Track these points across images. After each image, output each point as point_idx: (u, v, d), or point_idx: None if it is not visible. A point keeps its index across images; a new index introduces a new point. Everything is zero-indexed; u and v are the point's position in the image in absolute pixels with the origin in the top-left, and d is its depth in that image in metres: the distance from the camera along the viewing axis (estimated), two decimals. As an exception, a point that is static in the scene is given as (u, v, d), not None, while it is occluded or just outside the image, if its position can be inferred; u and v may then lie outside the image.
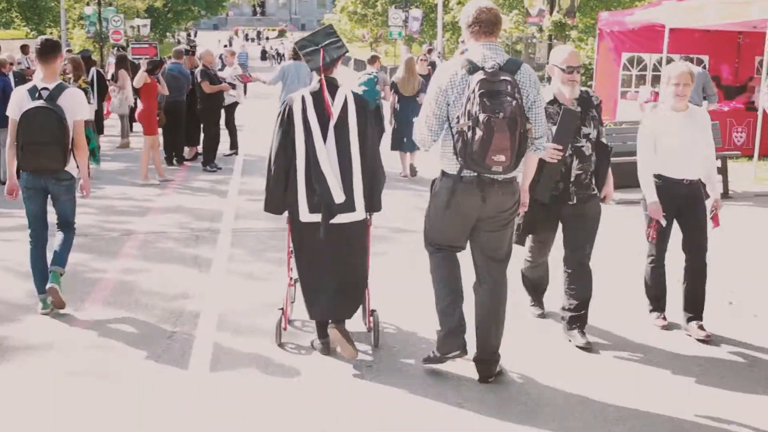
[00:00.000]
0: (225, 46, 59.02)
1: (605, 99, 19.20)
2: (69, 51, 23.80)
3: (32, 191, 6.99)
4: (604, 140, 6.41)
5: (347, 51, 6.18)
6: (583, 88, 6.41)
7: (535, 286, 7.10)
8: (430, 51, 22.26)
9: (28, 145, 6.69)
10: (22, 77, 14.77)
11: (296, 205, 5.83)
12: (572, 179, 6.22)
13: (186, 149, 16.28)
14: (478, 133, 5.04)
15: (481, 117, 5.03)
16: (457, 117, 5.21)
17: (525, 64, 5.49)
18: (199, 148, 16.05)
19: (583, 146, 6.20)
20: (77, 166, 7.00)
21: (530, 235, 6.67)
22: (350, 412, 5.21)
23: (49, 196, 7.07)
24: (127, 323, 6.82)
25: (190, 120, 15.69)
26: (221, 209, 11.47)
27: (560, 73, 6.20)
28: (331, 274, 5.92)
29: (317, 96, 5.84)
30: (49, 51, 6.99)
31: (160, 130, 14.39)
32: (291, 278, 6.47)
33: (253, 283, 7.98)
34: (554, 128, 6.00)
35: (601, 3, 39.55)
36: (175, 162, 15.70)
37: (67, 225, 7.27)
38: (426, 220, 5.76)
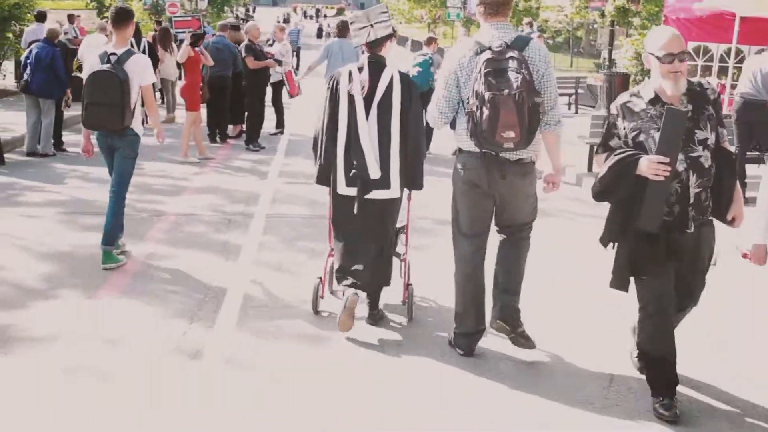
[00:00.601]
0: (277, 21, 58.62)
1: (668, 90, 18.52)
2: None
3: (103, 149, 7.73)
4: (726, 145, 5.01)
5: (394, 32, 6.16)
6: (695, 80, 4.98)
7: (660, 364, 5.05)
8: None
9: (90, 105, 7.29)
10: (66, 47, 14.42)
11: (335, 177, 5.97)
12: (691, 200, 4.81)
13: (230, 127, 15.83)
14: (485, 111, 5.09)
15: (487, 95, 5.08)
16: (467, 98, 5.30)
17: (534, 40, 5.48)
18: (244, 126, 15.59)
19: (700, 156, 4.78)
20: (142, 124, 7.72)
21: (636, 278, 5.00)
22: (381, 382, 5.34)
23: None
24: (141, 316, 6.34)
25: (236, 97, 15.23)
26: (258, 191, 10.98)
27: (658, 63, 4.78)
28: (361, 246, 6.03)
29: (364, 72, 5.95)
30: (121, 19, 7.52)
31: (203, 106, 13.93)
32: (332, 248, 6.45)
33: (281, 277, 7.45)
34: (657, 135, 4.67)
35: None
36: (218, 139, 15.26)
37: (118, 188, 7.77)
38: (452, 204, 5.77)
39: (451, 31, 59.40)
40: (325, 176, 6.08)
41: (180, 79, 15.04)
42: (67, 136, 13.95)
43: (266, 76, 14.87)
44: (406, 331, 6.21)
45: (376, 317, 6.30)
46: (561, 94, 21.67)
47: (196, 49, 13.28)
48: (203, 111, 14.10)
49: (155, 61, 17.52)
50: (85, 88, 7.33)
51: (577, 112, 22.21)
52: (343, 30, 14.01)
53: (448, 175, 5.94)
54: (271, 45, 17.27)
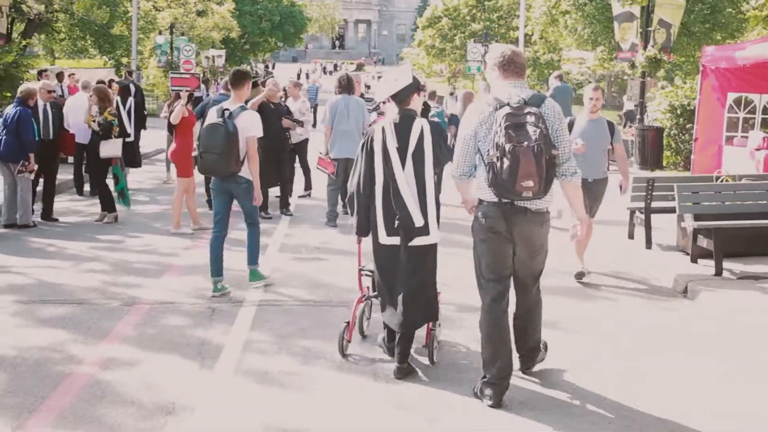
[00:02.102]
0: (295, 78, 57.74)
1: (708, 144, 17.02)
2: (110, 81, 22.50)
3: (217, 192, 8.77)
4: None
5: (419, 85, 6.53)
6: None
7: None
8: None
9: (204, 153, 8.32)
10: (57, 106, 13.26)
11: (375, 229, 6.37)
12: None
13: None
14: (506, 162, 5.41)
15: (507, 147, 5.41)
16: (488, 150, 5.60)
17: (549, 98, 5.80)
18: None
19: None
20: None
21: None
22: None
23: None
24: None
25: None
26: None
27: None
28: (404, 291, 6.29)
29: (398, 126, 6.33)
30: (238, 79, 8.68)
31: (168, 174, 12.68)
32: (363, 295, 6.93)
33: (265, 393, 5.98)
34: None
35: (695, 39, 37.17)
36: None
37: (251, 222, 8.93)
38: (473, 253, 6.02)
39: (471, 84, 58.41)
40: (363, 228, 6.48)
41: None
42: (60, 203, 12.69)
43: (283, 138, 13.59)
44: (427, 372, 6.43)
45: (404, 371, 6.35)
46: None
47: (192, 110, 12.01)
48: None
49: (143, 120, 16.37)
50: (200, 139, 8.50)
51: (608, 169, 20.70)
52: (347, 86, 12.72)
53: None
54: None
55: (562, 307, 8.39)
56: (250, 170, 8.49)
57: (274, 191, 14.15)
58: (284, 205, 13.58)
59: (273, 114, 13.24)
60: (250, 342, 7.03)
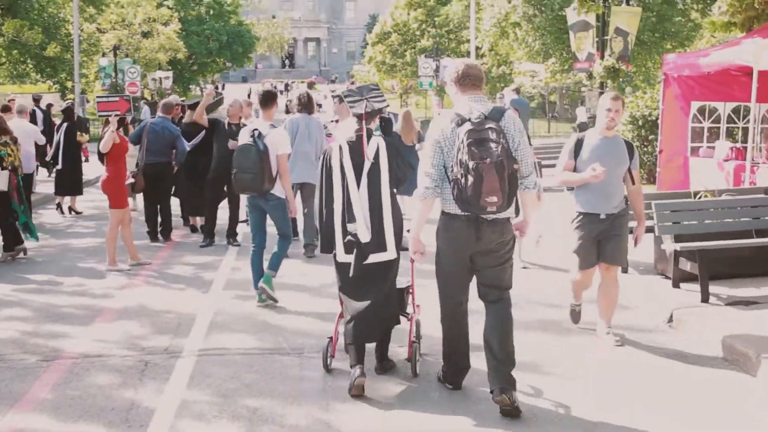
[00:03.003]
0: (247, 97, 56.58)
1: (673, 156, 16.31)
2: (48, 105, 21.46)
3: (250, 207, 9.26)
4: None
5: (388, 105, 6.82)
6: None
7: None
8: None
9: (238, 172, 8.67)
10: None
11: (335, 247, 6.45)
12: None
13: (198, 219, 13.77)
14: (470, 178, 5.51)
15: (471, 164, 5.50)
16: (452, 166, 5.68)
17: (508, 111, 5.91)
18: (199, 219, 13.33)
19: None
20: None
21: None
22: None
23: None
24: None
25: (194, 185, 13.03)
26: (195, 312, 8.59)
27: None
28: (365, 304, 6.32)
29: (353, 144, 6.45)
30: (267, 99, 9.18)
31: (132, 202, 11.64)
32: (342, 310, 6.74)
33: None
34: None
35: (645, 49, 36.85)
36: (160, 238, 12.92)
37: (283, 235, 9.14)
38: (436, 259, 6.14)
39: (424, 101, 57.80)
40: (327, 245, 6.55)
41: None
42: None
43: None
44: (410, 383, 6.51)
45: (386, 367, 6.69)
46: (549, 166, 19.61)
47: (123, 135, 11.03)
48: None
49: (77, 147, 15.39)
50: (233, 159, 8.83)
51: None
52: (308, 104, 11.79)
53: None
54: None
55: (538, 342, 7.56)
56: (282, 185, 8.92)
57: (222, 218, 13.23)
58: (232, 234, 12.60)
59: (229, 136, 12.23)
60: (186, 404, 6.04)
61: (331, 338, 6.82)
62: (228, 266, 10.99)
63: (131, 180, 12.73)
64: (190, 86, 67.35)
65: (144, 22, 51.93)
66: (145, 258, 11.30)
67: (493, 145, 5.54)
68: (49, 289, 9.78)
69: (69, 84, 40.69)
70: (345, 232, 6.37)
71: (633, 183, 7.65)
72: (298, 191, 11.65)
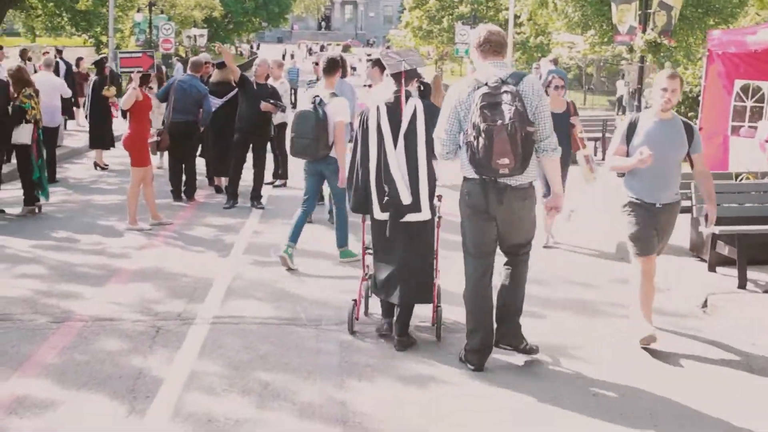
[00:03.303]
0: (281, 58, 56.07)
1: (713, 135, 15.80)
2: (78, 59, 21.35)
3: (308, 173, 9.09)
4: None
5: (421, 66, 6.81)
6: None
7: None
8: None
9: (295, 137, 8.65)
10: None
11: (370, 205, 6.52)
12: None
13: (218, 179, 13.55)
14: (481, 141, 5.59)
15: (482, 126, 5.58)
16: (466, 129, 5.75)
17: (529, 76, 5.95)
18: (224, 180, 13.06)
19: None
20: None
21: None
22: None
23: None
24: None
25: (222, 145, 12.80)
26: (212, 276, 8.35)
27: None
28: (400, 264, 6.46)
29: (392, 105, 6.50)
30: (330, 67, 9.06)
31: (158, 159, 11.37)
32: (366, 274, 7.00)
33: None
34: None
35: (687, 24, 35.98)
36: (183, 197, 12.69)
37: (339, 205, 9.19)
38: (461, 227, 6.14)
39: (459, 68, 57.17)
40: (361, 204, 6.65)
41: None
42: (7, 192, 11.50)
43: (262, 122, 12.27)
44: (435, 349, 6.55)
45: (405, 343, 6.52)
46: (589, 138, 19.16)
47: (146, 92, 10.74)
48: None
49: (104, 100, 15.09)
50: (292, 124, 8.77)
51: (603, 159, 19.56)
52: (332, 68, 11.43)
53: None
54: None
55: (564, 323, 7.26)
56: (336, 153, 8.83)
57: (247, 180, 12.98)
58: (256, 196, 12.32)
59: (256, 95, 11.94)
60: (196, 375, 5.80)
61: (355, 300, 6.87)
62: (250, 229, 10.74)
63: (157, 138, 12.52)
64: (225, 44, 66.95)
65: (181, -21, 51.54)
66: (167, 218, 11.07)
67: (506, 107, 5.58)
68: (67, 246, 9.59)
69: (104, 38, 40.46)
70: (381, 191, 6.40)
71: (692, 168, 7.00)
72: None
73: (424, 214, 6.45)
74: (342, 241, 9.20)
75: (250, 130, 11.98)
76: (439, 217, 6.76)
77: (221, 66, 13.29)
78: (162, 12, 47.28)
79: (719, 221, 8.92)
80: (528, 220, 6.10)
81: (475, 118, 5.63)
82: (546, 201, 6.26)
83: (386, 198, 6.36)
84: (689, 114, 18.71)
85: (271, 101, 11.96)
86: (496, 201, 5.84)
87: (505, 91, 5.65)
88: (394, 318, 6.53)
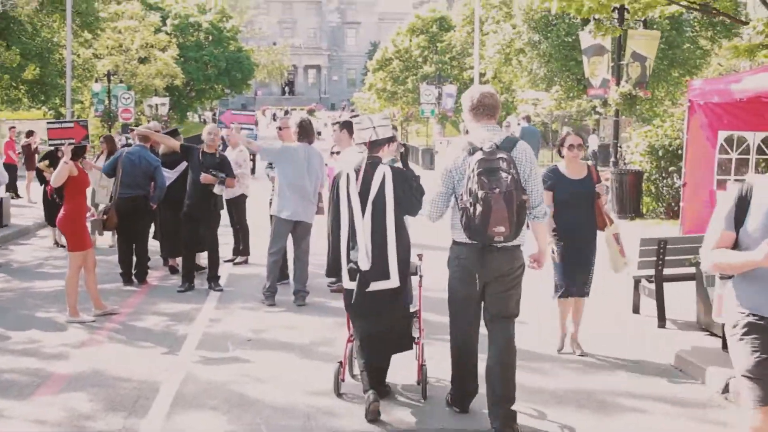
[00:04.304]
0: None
1: (698, 190, 14.94)
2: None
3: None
4: None
5: (395, 137, 6.92)
6: None
7: None
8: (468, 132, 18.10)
9: None
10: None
11: (342, 273, 6.49)
12: None
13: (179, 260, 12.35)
14: (479, 208, 5.61)
15: (480, 193, 5.60)
16: (461, 194, 5.79)
17: (521, 142, 6.02)
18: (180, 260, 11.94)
19: None
20: None
21: None
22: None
23: None
24: None
25: (176, 222, 11.72)
26: (159, 380, 7.19)
27: None
28: (373, 328, 6.47)
29: (360, 172, 6.48)
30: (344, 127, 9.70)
31: (110, 238, 10.24)
32: (351, 335, 6.84)
33: None
34: None
35: (653, 77, 35.58)
36: (135, 281, 11.54)
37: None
38: (448, 286, 6.24)
39: (425, 129, 56.58)
40: (334, 270, 6.61)
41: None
42: None
43: (209, 196, 11.17)
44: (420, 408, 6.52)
45: (382, 392, 6.46)
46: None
47: (81, 165, 9.66)
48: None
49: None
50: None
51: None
52: (307, 132, 10.39)
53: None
54: (223, 150, 13.56)
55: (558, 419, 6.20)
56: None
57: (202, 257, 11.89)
58: (213, 277, 11.22)
59: (199, 167, 10.91)
60: None
61: (341, 362, 6.89)
62: (206, 317, 9.59)
63: (103, 216, 11.42)
64: (188, 113, 66.15)
65: (141, 48, 50.71)
66: (114, 305, 9.93)
67: (503, 174, 5.61)
68: (-4, 346, 8.42)
69: (63, 110, 39.44)
70: (349, 259, 6.38)
71: None
72: (288, 233, 10.35)
73: (392, 282, 6.36)
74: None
75: (197, 204, 10.93)
76: (421, 276, 6.89)
77: (173, 134, 12.30)
78: (122, 81, 46.31)
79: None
80: (516, 283, 6.08)
81: (472, 185, 5.64)
82: (530, 255, 6.28)
83: (350, 265, 6.33)
84: (669, 168, 17.88)
85: (212, 172, 10.89)
86: (483, 262, 5.89)
87: (501, 158, 5.68)
88: (365, 373, 6.46)
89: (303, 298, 10.24)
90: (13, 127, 26.42)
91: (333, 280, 10.89)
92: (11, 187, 22.90)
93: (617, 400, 6.83)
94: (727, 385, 7.06)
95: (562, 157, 8.09)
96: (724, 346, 8.00)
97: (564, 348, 8.20)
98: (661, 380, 7.38)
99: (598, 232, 8.10)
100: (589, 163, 8.57)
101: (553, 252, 7.84)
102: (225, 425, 6.17)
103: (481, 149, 5.74)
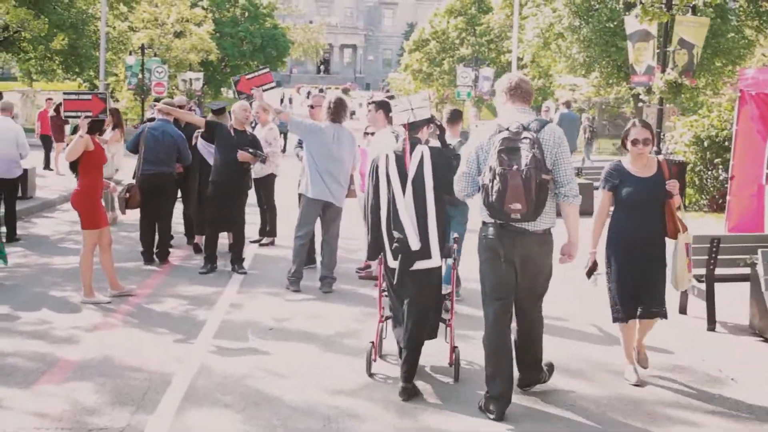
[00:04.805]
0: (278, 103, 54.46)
1: (747, 182, 14.29)
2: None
3: None
4: None
5: (432, 119, 6.91)
6: None
7: None
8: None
9: None
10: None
11: (384, 252, 6.53)
12: None
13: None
14: (496, 184, 5.65)
15: (498, 170, 5.65)
16: (484, 172, 5.81)
17: (552, 125, 5.99)
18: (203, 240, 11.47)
19: None
20: None
21: None
22: None
23: None
24: None
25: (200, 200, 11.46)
26: (172, 372, 6.72)
27: None
28: (409, 309, 6.43)
29: (399, 153, 6.55)
30: (454, 118, 9.49)
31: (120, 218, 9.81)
32: (382, 315, 6.97)
33: None
34: None
35: (701, 64, 34.67)
36: (156, 260, 11.09)
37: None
38: (479, 270, 6.15)
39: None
40: (373, 251, 6.63)
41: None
42: None
43: (241, 174, 10.72)
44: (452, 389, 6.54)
45: (410, 392, 6.34)
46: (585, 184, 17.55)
47: (98, 140, 9.18)
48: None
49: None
50: None
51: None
52: (337, 112, 9.81)
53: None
54: (253, 128, 13.05)
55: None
56: None
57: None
58: (237, 259, 10.74)
59: (233, 144, 10.44)
60: None
61: (372, 342, 6.84)
62: (227, 302, 9.11)
63: (126, 194, 10.99)
64: (221, 88, 65.74)
65: (177, 22, 50.34)
66: (131, 286, 9.50)
67: (524, 153, 5.64)
68: (4, 327, 7.97)
69: (97, 82, 39.19)
70: (392, 239, 6.38)
71: None
72: (318, 216, 9.84)
73: (434, 261, 6.41)
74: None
75: (226, 183, 10.45)
76: (455, 259, 6.99)
77: (219, 113, 11.85)
78: (156, 55, 45.97)
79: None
80: (545, 266, 6.09)
81: (492, 162, 5.71)
82: (561, 247, 6.11)
83: (395, 244, 6.32)
84: (715, 160, 17.16)
85: (250, 150, 10.43)
86: (512, 245, 5.87)
87: (525, 138, 5.70)
88: (401, 360, 6.45)
89: (330, 285, 9.75)
90: (50, 99, 26.07)
91: (362, 266, 10.49)
92: (45, 159, 22.63)
93: (666, 411, 6.26)
94: (785, 399, 6.48)
95: (627, 150, 6.89)
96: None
97: (638, 379, 6.87)
98: (713, 389, 6.79)
99: (668, 241, 6.87)
100: (660, 157, 7.03)
101: (594, 275, 6.97)
102: (238, 425, 5.67)
103: (507, 129, 5.79)
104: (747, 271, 8.20)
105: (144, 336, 7.80)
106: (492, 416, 5.93)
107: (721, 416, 6.21)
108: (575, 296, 9.43)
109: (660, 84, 18.63)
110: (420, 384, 6.48)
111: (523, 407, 6.19)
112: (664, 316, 6.82)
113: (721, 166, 17.02)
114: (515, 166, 5.60)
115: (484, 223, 6.02)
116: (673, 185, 6.66)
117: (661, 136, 19.59)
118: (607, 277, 6.88)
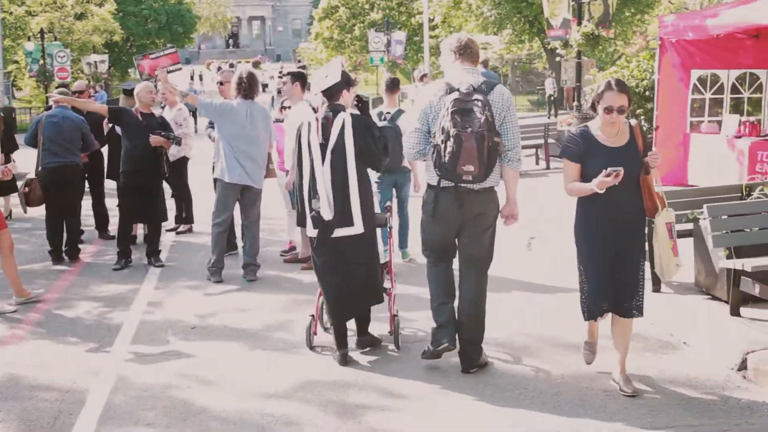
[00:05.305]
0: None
1: (671, 131, 14.08)
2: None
3: (384, 185, 9.19)
4: None
5: (349, 81, 6.67)
6: None
7: None
8: (423, 77, 17.09)
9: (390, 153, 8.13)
10: None
11: (306, 222, 6.56)
12: None
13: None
14: (449, 146, 5.64)
15: (452, 131, 5.64)
16: (434, 132, 5.84)
17: (499, 86, 6.01)
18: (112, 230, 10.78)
19: None
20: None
21: None
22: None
23: None
24: None
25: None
26: (86, 388, 6.07)
27: None
28: (339, 279, 6.45)
29: (320, 121, 6.45)
30: (392, 86, 9.69)
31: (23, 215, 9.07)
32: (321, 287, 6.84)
33: None
34: None
35: (621, 10, 34.60)
36: (66, 258, 10.35)
37: (402, 207, 9.63)
38: (420, 229, 6.27)
39: (374, 78, 55.28)
40: (302, 219, 6.69)
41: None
42: None
43: (154, 160, 9.98)
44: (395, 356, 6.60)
45: (365, 342, 6.76)
46: (528, 146, 17.27)
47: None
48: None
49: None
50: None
51: (548, 167, 17.69)
52: (249, 87, 9.16)
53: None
54: (162, 109, 12.31)
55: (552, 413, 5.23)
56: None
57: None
58: (153, 251, 10.07)
59: (141, 129, 9.75)
60: None
61: (313, 316, 6.85)
62: (144, 300, 8.47)
63: (24, 189, 10.22)
64: (129, 69, 63.96)
65: (77, 3, 48.56)
66: (39, 291, 8.77)
67: (477, 115, 5.62)
68: None
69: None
70: (311, 208, 6.35)
71: None
72: (236, 200, 9.25)
73: (357, 228, 6.35)
74: (403, 243, 9.62)
75: (140, 171, 9.76)
76: (390, 227, 7.08)
77: (130, 93, 11.11)
78: (57, 39, 44.29)
79: (741, 252, 7.08)
80: (489, 224, 6.06)
81: (445, 123, 5.69)
82: (501, 209, 6.13)
83: (312, 213, 6.33)
84: (637, 111, 16.96)
85: (162, 133, 9.76)
86: (458, 204, 5.88)
87: (476, 99, 5.70)
88: (356, 328, 6.74)
89: (254, 273, 9.17)
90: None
91: (286, 248, 9.97)
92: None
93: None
94: (744, 361, 6.15)
95: (596, 113, 5.79)
96: (732, 311, 7.12)
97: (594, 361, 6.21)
98: (666, 355, 6.46)
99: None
100: (632, 122, 5.84)
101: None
102: (159, 446, 5.11)
103: (458, 90, 5.77)
104: (690, 226, 7.87)
105: (54, 348, 7.12)
106: (441, 346, 6.05)
107: (678, 385, 5.86)
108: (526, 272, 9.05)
109: (577, 37, 18.39)
110: (361, 357, 6.60)
111: (472, 391, 5.85)
112: (640, 312, 5.84)
113: (643, 117, 16.82)
114: (469, 128, 5.59)
115: (428, 185, 6.05)
116: (654, 157, 5.69)
117: (581, 90, 19.38)
118: (578, 272, 5.93)
